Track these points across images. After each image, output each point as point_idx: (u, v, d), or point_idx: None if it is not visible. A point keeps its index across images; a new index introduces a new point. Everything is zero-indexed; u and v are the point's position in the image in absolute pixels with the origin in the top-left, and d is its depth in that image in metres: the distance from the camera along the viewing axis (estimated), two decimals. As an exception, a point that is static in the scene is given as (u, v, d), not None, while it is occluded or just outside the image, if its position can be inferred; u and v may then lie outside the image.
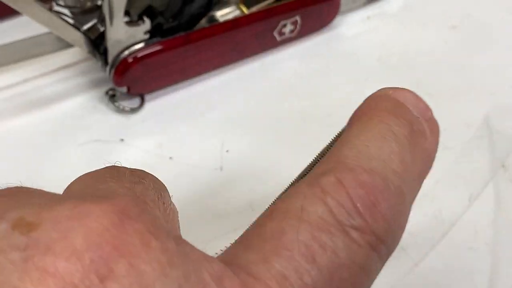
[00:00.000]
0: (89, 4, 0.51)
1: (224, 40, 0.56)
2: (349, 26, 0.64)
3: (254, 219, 0.46)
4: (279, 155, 0.51)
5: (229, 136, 0.52)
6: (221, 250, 0.22)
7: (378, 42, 0.62)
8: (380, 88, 0.54)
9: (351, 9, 0.64)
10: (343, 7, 0.62)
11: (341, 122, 0.53)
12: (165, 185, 0.26)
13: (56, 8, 0.50)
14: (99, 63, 0.53)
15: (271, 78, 0.58)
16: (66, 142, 0.52)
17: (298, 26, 0.59)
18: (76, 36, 0.51)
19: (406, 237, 0.45)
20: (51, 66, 0.56)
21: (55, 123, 0.53)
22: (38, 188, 0.21)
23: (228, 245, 0.22)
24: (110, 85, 0.54)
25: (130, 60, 0.51)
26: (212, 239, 0.41)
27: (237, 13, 0.58)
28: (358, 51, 0.61)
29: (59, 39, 0.52)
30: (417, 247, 0.46)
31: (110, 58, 0.51)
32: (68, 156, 0.51)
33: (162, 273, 0.17)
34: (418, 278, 0.45)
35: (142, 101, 0.54)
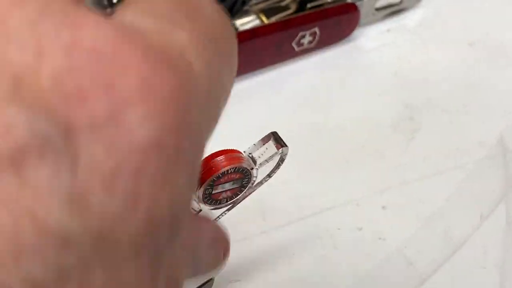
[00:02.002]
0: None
1: (243, 49, 0.56)
2: (368, 38, 0.64)
3: (265, 229, 0.46)
4: (290, 166, 0.51)
5: (243, 145, 0.52)
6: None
7: (395, 56, 0.62)
8: (395, 105, 0.54)
9: (371, 22, 0.64)
10: (363, 19, 0.62)
11: (353, 136, 0.54)
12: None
13: None
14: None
15: (287, 89, 0.59)
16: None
17: (317, 37, 0.59)
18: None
19: (414, 253, 0.46)
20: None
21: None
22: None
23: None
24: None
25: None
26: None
27: (256, 22, 0.58)
28: (375, 64, 0.61)
29: None
30: (425, 263, 0.46)
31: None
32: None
33: None
34: (425, 294, 0.45)
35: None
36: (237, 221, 0.48)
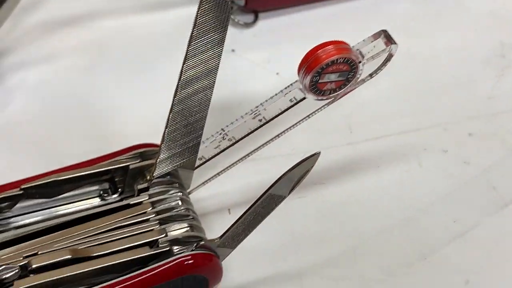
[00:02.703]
0: None
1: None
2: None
3: (352, 141, 0.46)
4: (381, 85, 0.52)
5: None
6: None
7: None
8: (488, 41, 0.54)
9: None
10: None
11: (445, 65, 0.54)
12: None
13: None
14: (222, -26, 0.55)
15: (382, 16, 0.59)
16: (180, 45, 0.54)
17: (416, -32, 0.60)
18: None
19: (498, 178, 0.46)
20: (174, -27, 0.59)
21: (173, 26, 0.55)
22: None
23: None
24: (228, -2, 0.56)
25: (253, -26, 0.53)
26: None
27: None
28: (471, 1, 0.61)
29: None
30: (509, 188, 0.47)
31: (235, -30, 0.53)
32: (177, 58, 0.53)
33: None
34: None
35: (256, 18, 0.56)
36: (325, 130, 0.49)
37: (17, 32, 0.53)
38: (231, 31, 0.55)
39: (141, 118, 0.49)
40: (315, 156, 0.34)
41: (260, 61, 0.54)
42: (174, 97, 0.35)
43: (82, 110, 0.49)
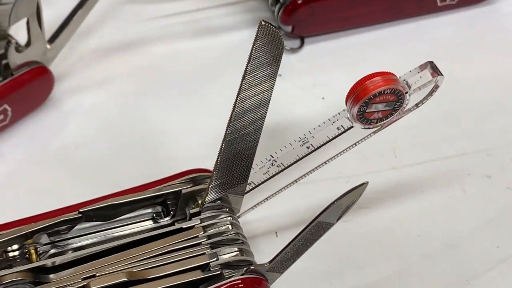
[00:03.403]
0: None
1: (386, -4, 0.58)
2: (508, 3, 0.64)
3: (396, 165, 0.47)
4: (424, 111, 0.53)
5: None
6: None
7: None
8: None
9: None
10: (506, -17, 0.62)
11: (488, 91, 0.55)
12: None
13: None
14: (269, 2, 0.57)
15: (425, 41, 0.60)
16: (225, 70, 0.56)
17: (461, -6, 0.60)
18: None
19: None
20: (223, 0, 0.60)
21: (219, 51, 0.57)
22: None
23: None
24: (275, 24, 0.57)
25: (300, 1, 0.54)
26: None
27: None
28: (514, 27, 0.62)
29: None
30: None
31: (281, -3, 0.55)
32: (225, 82, 0.54)
33: None
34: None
35: (302, 43, 0.58)
36: (370, 155, 0.50)
37: (72, 58, 0.55)
38: (278, 56, 0.57)
39: (191, 142, 0.50)
40: (363, 186, 0.35)
41: (306, 85, 0.55)
42: (228, 127, 0.36)
43: (134, 134, 0.51)
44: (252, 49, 0.33)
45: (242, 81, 0.34)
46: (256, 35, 0.32)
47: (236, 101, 0.35)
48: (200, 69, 0.56)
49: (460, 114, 0.54)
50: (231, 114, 0.35)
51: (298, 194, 0.47)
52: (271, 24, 0.32)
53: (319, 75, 0.56)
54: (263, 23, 0.32)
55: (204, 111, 0.53)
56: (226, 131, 0.36)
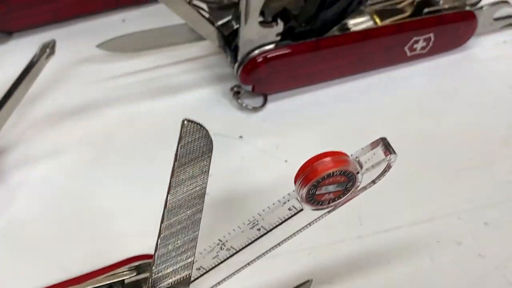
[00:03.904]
0: (226, 1, 0.52)
1: (354, 50, 0.55)
2: (483, 48, 0.62)
3: (361, 233, 0.46)
4: (393, 171, 0.51)
5: (349, 146, 0.52)
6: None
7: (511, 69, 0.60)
8: (508, 118, 0.53)
9: (487, 32, 0.62)
10: (479, 28, 0.60)
11: (461, 147, 0.52)
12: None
13: (195, 1, 0.51)
14: (228, 59, 0.55)
15: (395, 93, 0.58)
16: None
17: (430, 43, 0.58)
18: (210, 31, 0.53)
19: None
20: (182, 56, 0.58)
21: (179, 111, 0.55)
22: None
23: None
24: (236, 82, 0.55)
25: (259, 59, 0.52)
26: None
27: (370, 23, 0.58)
28: (489, 75, 0.59)
29: (193, 31, 0.53)
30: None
31: (239, 56, 0.53)
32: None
33: None
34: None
35: (265, 101, 0.55)
36: (334, 223, 0.48)
37: (22, 126, 0.53)
38: (239, 116, 0.55)
39: (144, 215, 0.48)
40: (307, 283, 0.33)
41: (268, 147, 0.53)
42: (161, 223, 0.34)
43: (84, 209, 0.49)
44: (177, 148, 0.31)
45: (171, 179, 0.32)
46: (180, 134, 0.30)
47: (166, 198, 0.33)
48: (158, 133, 0.53)
49: (430, 174, 0.52)
50: (163, 210, 0.33)
51: (257, 271, 0.44)
52: (195, 122, 0.30)
53: (282, 135, 0.54)
54: (185, 122, 0.30)
55: (160, 180, 0.50)
56: (160, 227, 0.34)
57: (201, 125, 0.31)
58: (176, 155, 0.31)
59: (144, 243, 0.42)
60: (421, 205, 0.50)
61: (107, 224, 0.48)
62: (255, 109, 0.55)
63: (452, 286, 0.46)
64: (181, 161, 0.31)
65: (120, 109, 0.55)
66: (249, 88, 0.54)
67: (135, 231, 0.47)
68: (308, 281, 0.34)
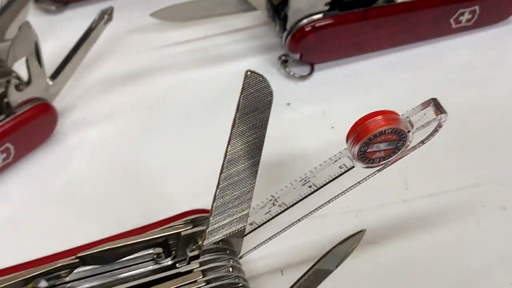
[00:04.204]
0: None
1: (400, 21, 0.56)
2: (528, 21, 0.62)
3: (407, 197, 0.46)
4: (438, 139, 0.51)
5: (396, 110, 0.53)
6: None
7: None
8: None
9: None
10: (524, 2, 0.60)
11: (506, 116, 0.53)
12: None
13: (246, -29, 0.53)
14: (277, 29, 0.56)
15: (441, 65, 0.58)
16: (233, 100, 0.55)
17: (476, 16, 0.59)
18: (260, 0, 0.54)
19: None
20: (231, 26, 0.60)
21: (227, 80, 0.56)
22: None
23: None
24: (284, 51, 0.56)
25: (307, 28, 0.53)
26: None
27: (417, -5, 0.58)
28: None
29: (242, 1, 0.55)
30: None
31: (288, 25, 0.54)
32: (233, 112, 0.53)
33: None
34: None
35: (312, 70, 0.56)
36: (380, 187, 0.49)
37: (79, 90, 0.55)
38: (287, 84, 0.56)
39: (197, 177, 0.49)
40: (360, 233, 0.34)
41: (315, 114, 0.54)
42: (220, 173, 0.35)
43: (139, 169, 0.50)
44: (239, 98, 0.32)
45: (232, 129, 0.33)
46: (243, 85, 0.32)
47: (227, 148, 0.34)
48: (208, 99, 0.55)
49: (475, 142, 0.52)
50: (223, 161, 0.35)
51: (305, 230, 0.46)
52: (257, 74, 0.31)
53: (329, 103, 0.55)
54: (248, 73, 0.31)
55: (211, 143, 0.52)
56: (219, 177, 0.35)
57: (263, 77, 0.32)
58: (238, 105, 0.33)
59: (197, 202, 0.44)
60: (466, 171, 0.50)
61: (160, 184, 0.50)
62: (302, 78, 0.56)
63: (497, 250, 0.46)
64: (242, 112, 0.33)
65: (172, 76, 0.56)
66: (297, 56, 0.55)
67: (187, 191, 0.49)
68: (361, 231, 0.35)
